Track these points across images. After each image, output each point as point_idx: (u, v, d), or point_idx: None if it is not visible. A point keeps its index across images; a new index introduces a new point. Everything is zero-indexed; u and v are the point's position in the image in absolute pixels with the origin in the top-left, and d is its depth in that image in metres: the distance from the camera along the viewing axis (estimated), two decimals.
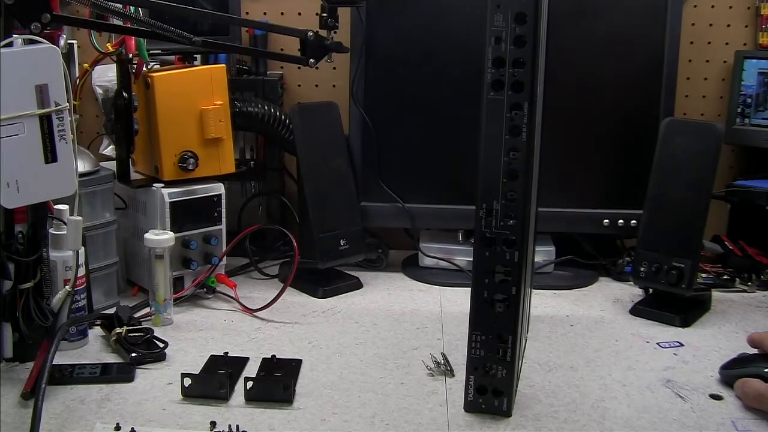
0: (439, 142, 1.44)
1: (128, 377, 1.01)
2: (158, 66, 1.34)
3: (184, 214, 1.26)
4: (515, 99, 0.85)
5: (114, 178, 1.28)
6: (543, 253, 1.44)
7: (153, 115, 1.25)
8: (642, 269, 1.27)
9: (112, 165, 1.31)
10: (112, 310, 1.16)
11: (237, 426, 0.89)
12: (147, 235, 1.19)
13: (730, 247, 1.47)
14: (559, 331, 1.21)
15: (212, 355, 1.07)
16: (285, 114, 1.44)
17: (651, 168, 1.27)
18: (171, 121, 1.26)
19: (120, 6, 1.08)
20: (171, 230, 1.23)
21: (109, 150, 1.52)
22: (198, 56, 1.37)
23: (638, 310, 1.27)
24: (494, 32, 0.84)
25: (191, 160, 1.27)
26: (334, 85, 1.60)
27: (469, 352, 0.92)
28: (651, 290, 1.31)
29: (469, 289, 0.91)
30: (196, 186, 1.28)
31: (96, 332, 1.15)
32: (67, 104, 0.92)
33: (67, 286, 1.04)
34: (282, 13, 1.59)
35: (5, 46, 0.89)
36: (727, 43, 1.59)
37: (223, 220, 1.31)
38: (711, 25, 1.59)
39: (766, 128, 1.52)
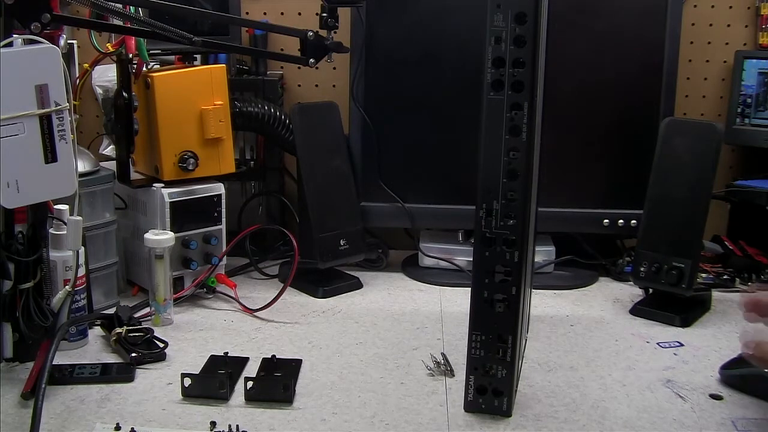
0: (439, 142, 1.44)
1: (128, 377, 1.01)
2: (158, 66, 1.34)
3: (184, 214, 1.26)
4: (515, 99, 0.85)
5: (114, 178, 1.28)
6: (543, 253, 1.44)
7: (153, 115, 1.25)
8: (642, 269, 1.27)
9: (112, 165, 1.31)
10: (112, 310, 1.16)
11: (237, 426, 0.89)
12: (147, 235, 1.19)
13: (730, 247, 1.47)
14: (559, 331, 1.21)
15: (212, 355, 1.07)
16: (285, 114, 1.44)
17: (651, 168, 1.27)
18: (171, 121, 1.26)
19: (120, 6, 1.08)
20: (171, 230, 1.23)
21: (109, 150, 1.52)
22: (198, 56, 1.37)
23: (638, 310, 1.27)
24: (494, 32, 0.84)
25: (191, 160, 1.27)
26: (334, 85, 1.60)
27: (469, 352, 0.92)
28: (651, 290, 1.31)
29: (469, 289, 0.91)
30: (196, 186, 1.28)
31: (96, 332, 1.15)
32: (67, 104, 0.92)
33: (67, 286, 1.04)
34: (282, 13, 1.59)
35: (5, 46, 0.89)
36: (727, 43, 1.59)
37: (223, 220, 1.31)
38: (711, 25, 1.59)
39: (766, 128, 1.52)
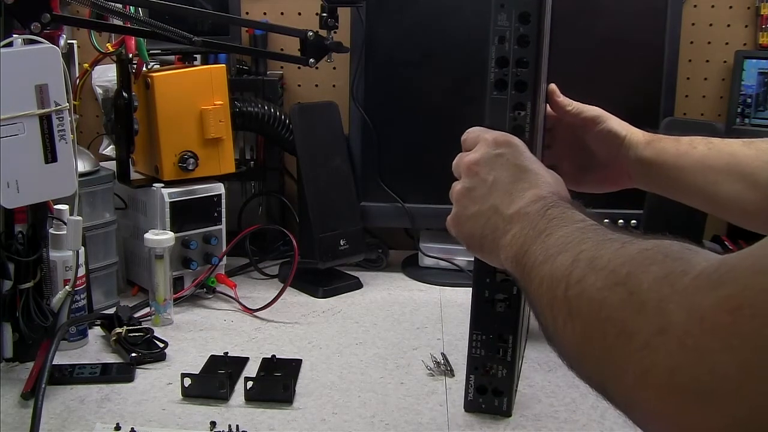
0: (439, 142, 1.43)
1: (128, 377, 1.01)
2: (158, 66, 1.34)
3: (184, 214, 1.26)
4: (518, 99, 0.85)
5: (114, 178, 1.28)
6: None
7: (153, 115, 1.25)
8: None
9: (112, 165, 1.31)
10: (112, 310, 1.16)
11: (237, 426, 0.89)
12: (147, 235, 1.19)
13: (730, 247, 1.47)
14: None
15: (212, 355, 1.07)
16: (285, 114, 1.44)
17: None
18: (171, 121, 1.25)
19: (120, 6, 1.08)
20: (171, 230, 1.22)
21: (109, 150, 1.52)
22: (198, 56, 1.37)
23: None
24: (498, 32, 0.84)
25: (191, 160, 1.27)
26: (334, 85, 1.60)
27: (469, 352, 0.92)
28: None
29: (470, 289, 0.91)
30: (196, 186, 1.28)
31: (96, 332, 1.15)
32: (67, 104, 0.92)
33: (67, 286, 1.04)
34: (282, 13, 1.59)
35: (5, 46, 0.89)
36: (727, 43, 1.59)
37: (223, 220, 1.31)
38: (711, 25, 1.59)
39: (766, 128, 1.52)
